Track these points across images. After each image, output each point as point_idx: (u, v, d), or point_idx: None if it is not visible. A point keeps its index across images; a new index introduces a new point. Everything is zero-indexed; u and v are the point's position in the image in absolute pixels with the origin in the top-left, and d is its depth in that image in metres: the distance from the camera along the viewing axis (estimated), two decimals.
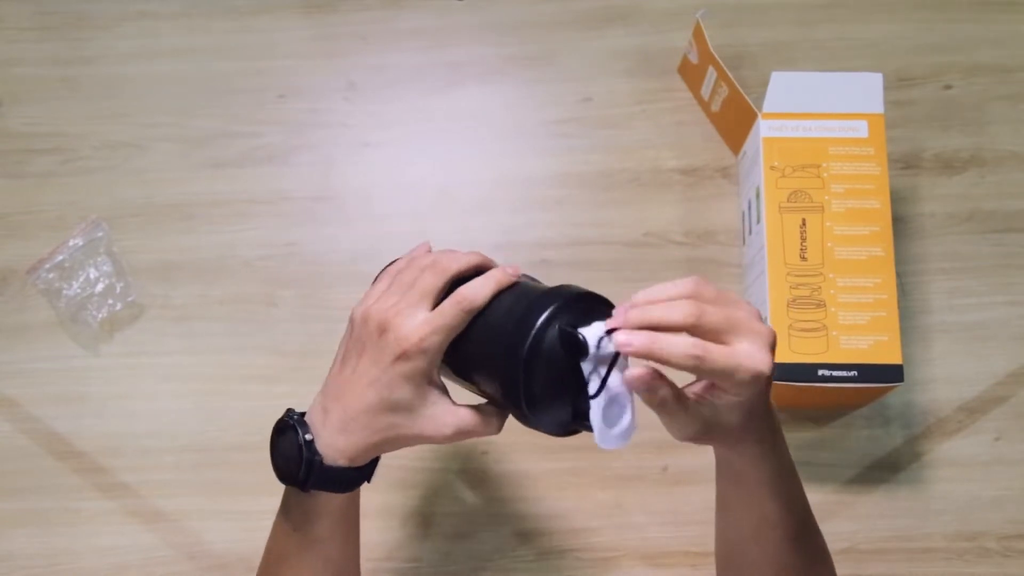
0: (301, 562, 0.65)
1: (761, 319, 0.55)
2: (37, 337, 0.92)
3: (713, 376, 0.53)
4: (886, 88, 0.87)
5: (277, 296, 0.93)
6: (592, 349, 0.54)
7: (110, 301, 0.91)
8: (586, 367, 0.55)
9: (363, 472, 0.62)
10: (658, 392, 0.54)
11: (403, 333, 0.58)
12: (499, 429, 0.61)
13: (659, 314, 0.53)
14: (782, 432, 0.62)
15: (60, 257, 0.92)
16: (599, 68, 0.99)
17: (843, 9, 1.00)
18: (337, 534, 0.65)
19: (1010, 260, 0.92)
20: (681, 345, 0.52)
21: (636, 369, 0.53)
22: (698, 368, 0.52)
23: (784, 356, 0.80)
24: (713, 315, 0.53)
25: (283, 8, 1.02)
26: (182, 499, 0.88)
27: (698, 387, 0.57)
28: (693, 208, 0.94)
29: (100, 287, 0.91)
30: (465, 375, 0.61)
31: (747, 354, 0.53)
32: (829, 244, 0.83)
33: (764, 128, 0.87)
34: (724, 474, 0.65)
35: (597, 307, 0.58)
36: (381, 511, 0.86)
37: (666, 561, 0.84)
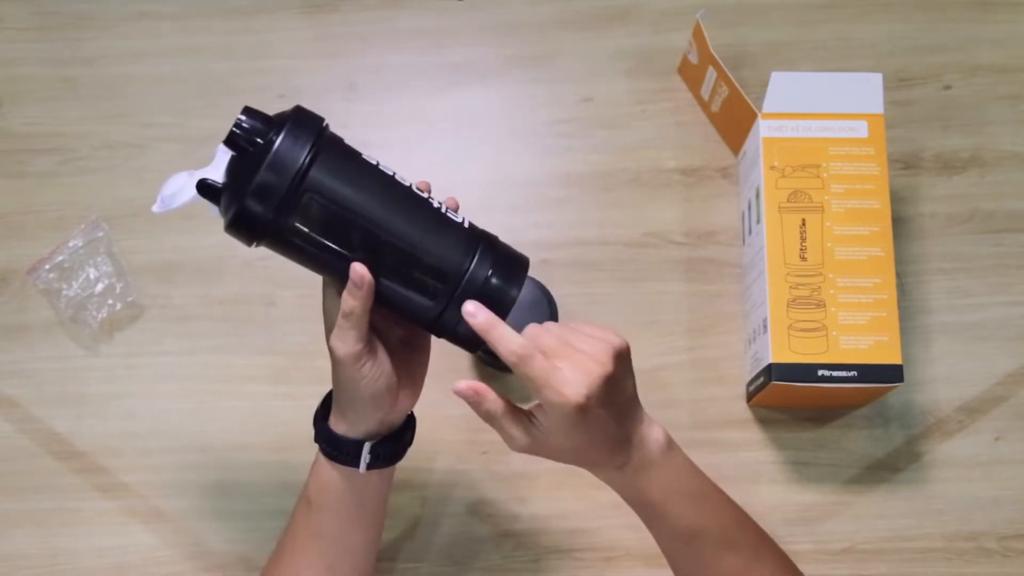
0: (296, 524, 0.68)
1: (611, 358, 0.57)
2: (37, 337, 0.92)
3: (529, 385, 0.57)
4: (886, 88, 0.87)
5: (277, 296, 0.93)
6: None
7: (110, 301, 0.91)
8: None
9: (349, 446, 0.63)
10: (482, 405, 0.58)
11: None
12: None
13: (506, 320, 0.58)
14: (653, 458, 0.63)
15: (60, 257, 0.92)
16: (599, 68, 0.99)
17: (843, 9, 1.00)
18: (332, 513, 0.66)
19: (1010, 260, 0.92)
20: (511, 341, 0.56)
21: (461, 383, 0.58)
22: (517, 368, 0.56)
23: (784, 356, 0.80)
24: (548, 338, 0.57)
25: (283, 8, 1.02)
26: (182, 499, 0.87)
27: (534, 405, 0.60)
28: (693, 208, 0.94)
29: (100, 287, 0.91)
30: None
31: (564, 379, 0.56)
32: (829, 244, 0.83)
33: (764, 128, 0.87)
34: None
35: None
36: None
37: (666, 561, 0.84)
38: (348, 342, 0.59)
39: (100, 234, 0.93)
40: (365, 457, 0.63)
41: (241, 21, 1.02)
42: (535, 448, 0.61)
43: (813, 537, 0.85)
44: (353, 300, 0.58)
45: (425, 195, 0.61)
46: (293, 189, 0.56)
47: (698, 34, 0.91)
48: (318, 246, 0.58)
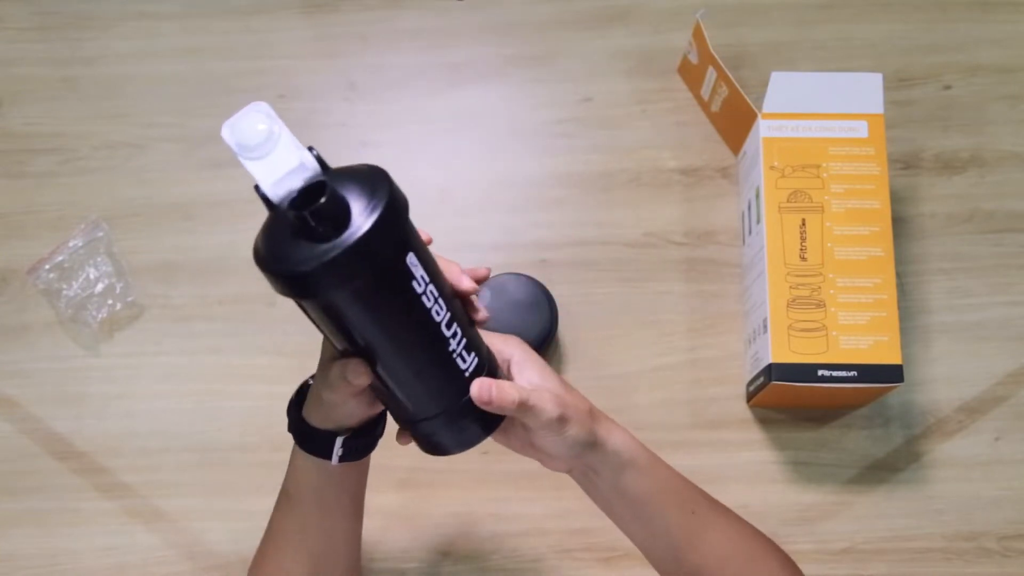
0: (278, 518, 0.68)
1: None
2: (37, 337, 0.92)
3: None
4: (886, 88, 0.87)
5: (277, 296, 0.92)
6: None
7: (110, 301, 0.91)
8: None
9: (322, 438, 0.63)
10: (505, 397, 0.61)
11: None
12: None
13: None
14: (612, 428, 0.65)
15: (60, 257, 0.92)
16: (599, 68, 0.99)
17: (843, 9, 1.00)
18: (310, 503, 0.66)
19: (1010, 260, 0.92)
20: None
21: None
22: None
23: (784, 356, 0.80)
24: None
25: (283, 8, 1.02)
26: (182, 499, 0.88)
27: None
28: (693, 208, 0.94)
29: (100, 287, 0.91)
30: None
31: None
32: (829, 244, 0.83)
33: (764, 128, 0.87)
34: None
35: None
36: (380, 511, 0.86)
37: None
38: (336, 393, 0.59)
39: (100, 234, 0.93)
40: (337, 451, 0.63)
41: (241, 21, 1.02)
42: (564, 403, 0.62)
43: (813, 537, 0.85)
44: (351, 384, 0.57)
45: (448, 333, 0.56)
46: (322, 288, 0.52)
47: (698, 34, 0.91)
48: (326, 332, 0.57)
